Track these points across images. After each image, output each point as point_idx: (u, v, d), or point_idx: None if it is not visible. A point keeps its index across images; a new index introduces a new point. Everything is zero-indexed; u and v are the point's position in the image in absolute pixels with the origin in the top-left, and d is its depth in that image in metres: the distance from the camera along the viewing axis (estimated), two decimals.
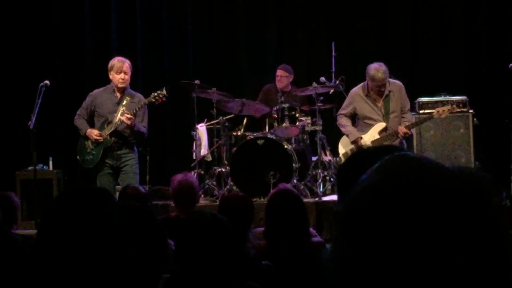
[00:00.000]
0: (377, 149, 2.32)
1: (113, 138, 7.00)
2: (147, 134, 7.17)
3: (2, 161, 9.33)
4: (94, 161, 7.05)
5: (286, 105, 7.86)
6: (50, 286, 1.36)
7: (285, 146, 7.73)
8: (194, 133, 8.34)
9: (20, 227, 5.79)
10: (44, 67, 9.32)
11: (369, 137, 7.23)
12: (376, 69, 7.01)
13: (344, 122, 7.40)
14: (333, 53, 8.58)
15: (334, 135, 8.42)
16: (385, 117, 7.19)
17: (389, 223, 0.87)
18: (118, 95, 7.09)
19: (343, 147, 7.48)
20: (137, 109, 6.95)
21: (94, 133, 7.01)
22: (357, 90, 7.34)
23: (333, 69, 8.47)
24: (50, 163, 8.69)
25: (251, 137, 7.85)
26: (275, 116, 7.90)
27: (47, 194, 8.16)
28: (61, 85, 9.20)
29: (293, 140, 8.04)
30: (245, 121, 8.28)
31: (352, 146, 7.29)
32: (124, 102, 7.04)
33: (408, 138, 7.57)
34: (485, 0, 9.41)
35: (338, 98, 8.23)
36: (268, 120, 8.13)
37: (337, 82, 8.12)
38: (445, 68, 9.26)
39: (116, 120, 6.96)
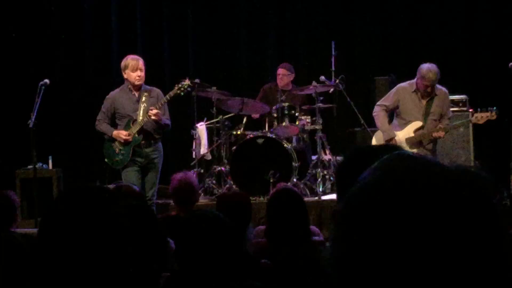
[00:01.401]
0: (376, 148, 2.32)
1: (141, 136, 7.00)
2: (171, 125, 7.19)
3: (2, 159, 9.33)
4: (124, 161, 7.03)
5: (286, 104, 7.86)
6: (51, 285, 1.36)
7: (285, 145, 7.72)
8: (194, 132, 8.33)
9: (19, 226, 5.78)
10: (44, 66, 9.31)
11: (404, 134, 7.17)
12: (429, 69, 6.98)
13: (381, 117, 7.23)
14: (333, 52, 8.57)
15: (333, 134, 8.42)
16: (424, 118, 7.16)
17: (389, 221, 0.87)
18: (136, 93, 7.08)
19: (377, 142, 7.36)
20: (162, 103, 6.96)
21: (122, 133, 6.99)
22: (405, 85, 7.26)
23: (333, 68, 8.46)
24: (50, 162, 8.68)
25: (251, 136, 7.84)
26: (275, 115, 7.90)
27: (47, 192, 8.15)
28: (60, 84, 9.20)
29: (293, 139, 8.04)
30: (245, 120, 8.28)
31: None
32: (143, 99, 7.03)
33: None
34: (485, 0, 9.41)
35: (338, 97, 8.22)
36: (268, 119, 8.13)
37: (337, 81, 8.11)
38: (445, 67, 9.24)
39: (141, 118, 6.95)
